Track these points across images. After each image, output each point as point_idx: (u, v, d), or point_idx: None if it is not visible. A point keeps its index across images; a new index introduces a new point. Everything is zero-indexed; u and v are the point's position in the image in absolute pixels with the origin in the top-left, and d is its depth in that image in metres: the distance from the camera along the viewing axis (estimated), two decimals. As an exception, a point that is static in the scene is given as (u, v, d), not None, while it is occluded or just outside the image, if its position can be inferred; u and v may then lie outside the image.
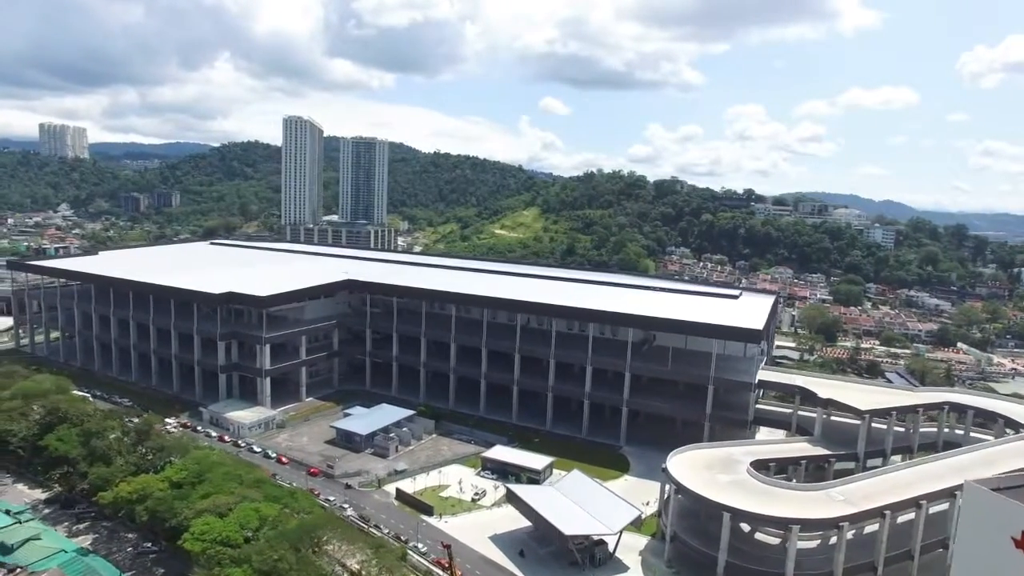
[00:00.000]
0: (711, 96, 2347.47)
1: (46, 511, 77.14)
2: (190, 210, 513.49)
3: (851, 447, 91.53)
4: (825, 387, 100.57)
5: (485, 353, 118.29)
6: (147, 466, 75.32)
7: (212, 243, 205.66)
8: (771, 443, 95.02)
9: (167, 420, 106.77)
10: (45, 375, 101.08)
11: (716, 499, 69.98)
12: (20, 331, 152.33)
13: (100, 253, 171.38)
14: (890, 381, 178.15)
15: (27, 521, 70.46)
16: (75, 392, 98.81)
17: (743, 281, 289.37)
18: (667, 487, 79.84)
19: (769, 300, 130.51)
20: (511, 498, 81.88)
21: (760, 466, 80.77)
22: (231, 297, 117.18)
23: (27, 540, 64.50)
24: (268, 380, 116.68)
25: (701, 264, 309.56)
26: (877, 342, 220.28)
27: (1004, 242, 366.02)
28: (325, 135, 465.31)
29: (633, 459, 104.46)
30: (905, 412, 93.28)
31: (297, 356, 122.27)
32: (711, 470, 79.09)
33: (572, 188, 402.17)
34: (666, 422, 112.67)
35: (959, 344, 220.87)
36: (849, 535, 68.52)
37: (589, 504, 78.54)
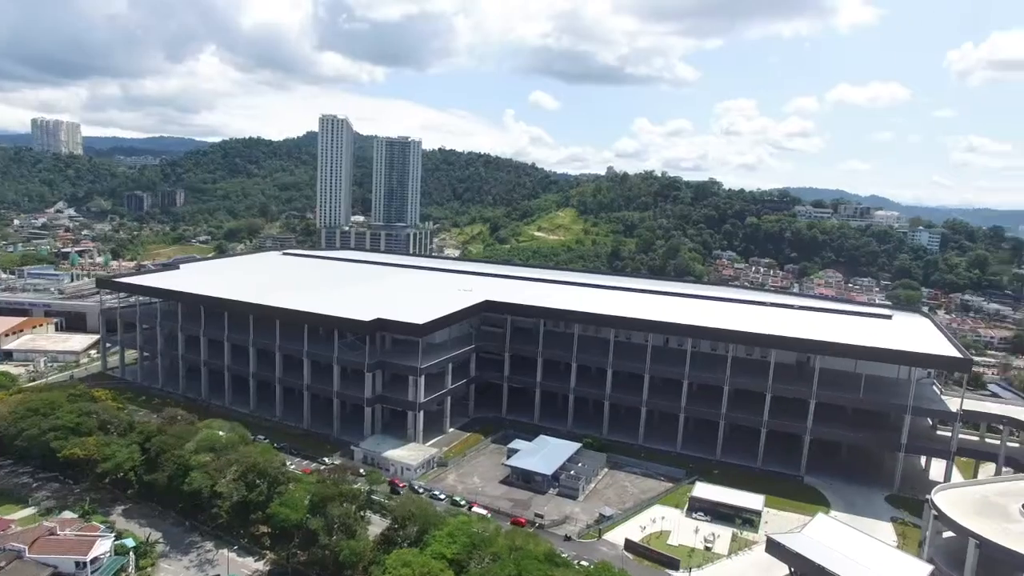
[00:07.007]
0: (702, 92, 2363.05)
1: (278, 586, 68.68)
2: (196, 209, 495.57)
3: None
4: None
5: (647, 380, 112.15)
6: (394, 538, 67.05)
7: (285, 253, 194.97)
8: (1007, 481, 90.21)
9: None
10: (216, 420, 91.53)
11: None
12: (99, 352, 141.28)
13: (181, 267, 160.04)
14: (995, 394, 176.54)
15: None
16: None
17: (796, 286, 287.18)
18: (929, 531, 75.14)
19: (926, 321, 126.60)
20: (772, 547, 75.78)
21: (1025, 510, 76.07)
22: (381, 324, 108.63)
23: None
24: (421, 414, 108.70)
25: (753, 268, 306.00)
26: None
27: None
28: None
29: (827, 493, 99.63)
30: None
31: (442, 385, 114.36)
32: (987, 516, 74.05)
33: (607, 190, 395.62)
34: (829, 448, 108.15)
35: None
36: None
37: (864, 556, 72.89)
